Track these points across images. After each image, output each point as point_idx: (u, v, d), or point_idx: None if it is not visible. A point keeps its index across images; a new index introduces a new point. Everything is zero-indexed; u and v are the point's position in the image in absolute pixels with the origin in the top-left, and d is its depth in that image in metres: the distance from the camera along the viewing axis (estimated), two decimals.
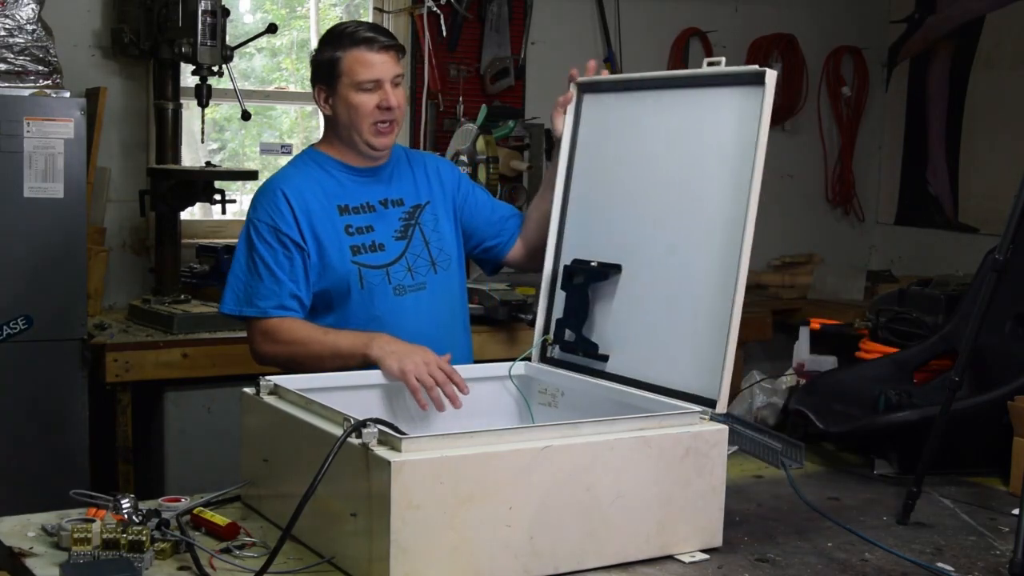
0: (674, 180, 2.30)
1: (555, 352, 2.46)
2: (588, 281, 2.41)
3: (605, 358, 2.34)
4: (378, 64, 2.56)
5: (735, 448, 2.55)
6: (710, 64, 2.27)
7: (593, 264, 2.41)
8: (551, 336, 2.47)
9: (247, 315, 2.57)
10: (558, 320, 2.45)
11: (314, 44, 5.21)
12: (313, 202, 2.58)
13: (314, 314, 2.60)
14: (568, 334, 2.43)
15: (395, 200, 2.67)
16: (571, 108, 2.67)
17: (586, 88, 2.66)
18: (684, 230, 2.25)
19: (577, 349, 2.40)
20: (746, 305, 5.78)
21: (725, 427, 2.03)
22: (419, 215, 2.68)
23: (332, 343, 2.47)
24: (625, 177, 2.43)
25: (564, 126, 2.64)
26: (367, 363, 2.40)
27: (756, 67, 2.12)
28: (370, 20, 5.06)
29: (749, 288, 6.46)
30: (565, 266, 2.48)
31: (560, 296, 2.48)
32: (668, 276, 2.26)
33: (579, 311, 2.41)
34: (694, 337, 2.16)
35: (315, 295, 2.58)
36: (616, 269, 2.37)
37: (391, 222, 2.64)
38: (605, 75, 2.67)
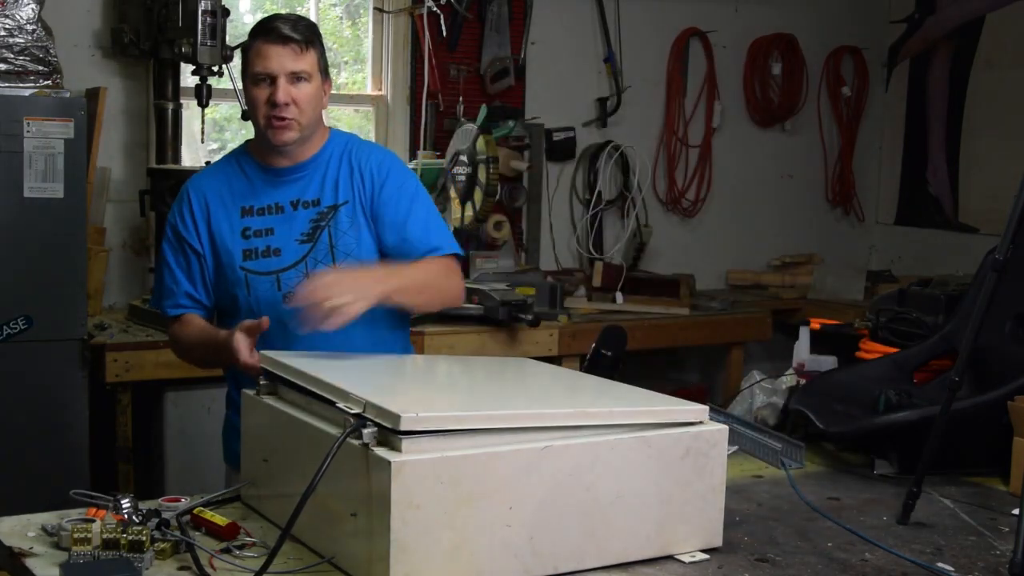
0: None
1: None
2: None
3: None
4: (272, 57, 2.43)
5: (735, 448, 2.56)
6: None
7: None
8: None
9: (163, 313, 2.62)
10: None
11: None
12: (216, 204, 2.53)
13: (226, 317, 2.57)
14: None
15: (309, 201, 2.52)
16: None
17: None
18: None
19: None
20: (746, 305, 5.77)
21: (725, 427, 2.03)
22: (332, 216, 2.51)
23: (199, 350, 2.55)
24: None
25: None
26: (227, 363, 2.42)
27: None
28: (370, 20, 5.07)
29: (749, 288, 6.48)
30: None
31: None
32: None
33: None
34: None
35: (216, 302, 2.58)
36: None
37: (298, 224, 2.50)
38: None
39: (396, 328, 2.61)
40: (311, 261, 2.49)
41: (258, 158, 2.56)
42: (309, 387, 1.98)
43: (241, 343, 2.29)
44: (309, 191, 2.53)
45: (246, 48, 2.50)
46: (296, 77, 2.45)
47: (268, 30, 2.46)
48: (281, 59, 2.43)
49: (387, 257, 2.53)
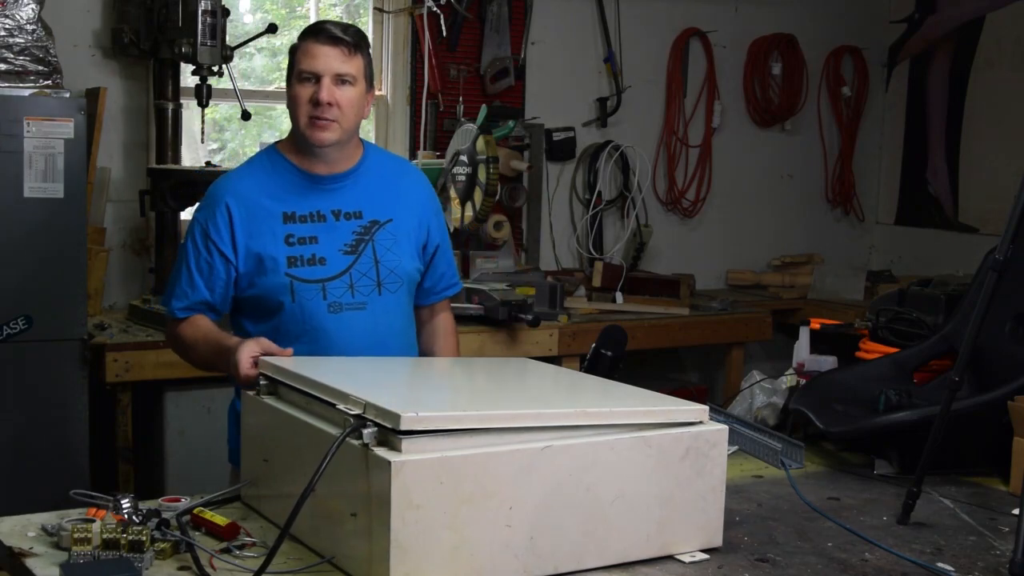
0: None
1: None
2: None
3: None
4: (320, 57, 2.46)
5: (735, 448, 2.56)
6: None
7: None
8: None
9: (169, 314, 2.57)
10: None
11: None
12: (256, 209, 2.50)
13: (249, 322, 2.55)
14: None
15: (351, 212, 2.54)
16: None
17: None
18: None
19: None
20: (746, 305, 5.76)
21: (725, 427, 2.03)
22: (376, 231, 2.55)
23: (204, 350, 2.51)
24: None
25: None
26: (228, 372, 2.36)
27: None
28: (370, 20, 5.07)
29: (749, 288, 6.48)
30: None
31: None
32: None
33: None
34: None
35: (248, 301, 2.52)
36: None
37: (341, 235, 2.52)
38: None
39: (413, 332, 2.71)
40: (356, 273, 2.51)
41: (295, 161, 2.56)
42: (309, 390, 1.98)
43: (246, 354, 2.23)
44: (350, 203, 2.55)
45: (294, 49, 2.52)
46: (341, 79, 2.47)
47: (318, 31, 2.49)
48: (328, 59, 2.46)
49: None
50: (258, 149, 4.88)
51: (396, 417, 1.72)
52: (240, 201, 2.50)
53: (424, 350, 2.74)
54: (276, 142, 2.64)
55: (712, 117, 5.82)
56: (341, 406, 1.83)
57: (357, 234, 2.53)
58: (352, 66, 2.48)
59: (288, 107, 2.54)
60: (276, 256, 2.47)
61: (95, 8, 4.31)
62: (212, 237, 2.49)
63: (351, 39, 2.48)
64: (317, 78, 2.46)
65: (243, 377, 2.22)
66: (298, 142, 2.54)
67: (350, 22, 2.76)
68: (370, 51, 2.59)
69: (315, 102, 2.45)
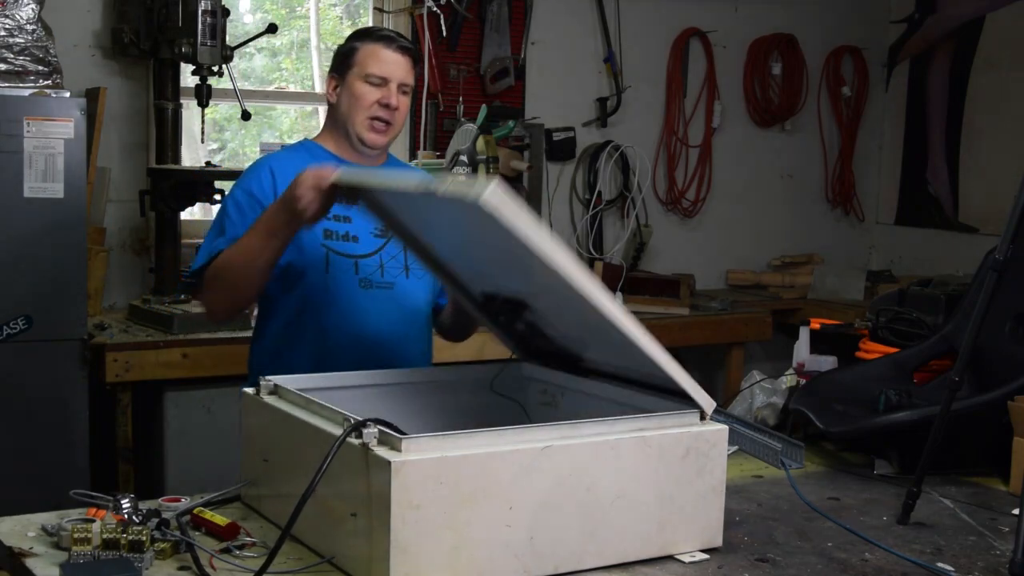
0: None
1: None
2: (510, 317, 2.26)
3: (579, 359, 2.31)
4: (390, 63, 2.58)
5: (735, 448, 2.56)
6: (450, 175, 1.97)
7: (503, 299, 2.23)
8: (519, 356, 2.41)
9: (199, 266, 2.50)
10: (514, 348, 2.39)
11: (314, 44, 5.23)
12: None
13: (276, 289, 2.56)
14: (535, 352, 2.38)
15: None
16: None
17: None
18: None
19: (552, 361, 2.36)
20: (746, 305, 5.74)
21: (725, 427, 2.03)
22: None
23: (243, 241, 2.41)
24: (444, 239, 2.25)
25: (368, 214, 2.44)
26: (287, 230, 2.33)
27: (473, 193, 1.71)
28: (370, 20, 5.07)
29: (749, 288, 6.47)
30: (480, 303, 2.30)
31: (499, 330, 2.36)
32: (561, 307, 2.07)
33: (524, 337, 2.32)
34: (628, 350, 2.00)
35: (281, 269, 2.52)
36: (523, 306, 2.20)
37: (372, 220, 2.59)
38: None
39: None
40: (386, 255, 2.61)
41: (332, 151, 2.65)
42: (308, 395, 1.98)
43: (309, 174, 2.21)
44: None
45: (355, 48, 2.60)
46: (403, 88, 2.60)
47: (388, 38, 2.60)
48: (398, 67, 2.59)
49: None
50: (258, 149, 4.90)
51: None
52: (282, 171, 2.57)
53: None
54: (310, 139, 2.75)
55: (712, 117, 5.82)
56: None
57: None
58: (412, 77, 2.64)
59: (342, 104, 2.61)
60: (313, 226, 2.48)
61: (95, 8, 4.32)
62: (256, 196, 2.55)
63: (415, 50, 2.64)
64: (385, 82, 2.57)
65: (313, 198, 2.19)
66: (342, 136, 2.64)
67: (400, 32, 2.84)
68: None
69: (384, 104, 2.57)
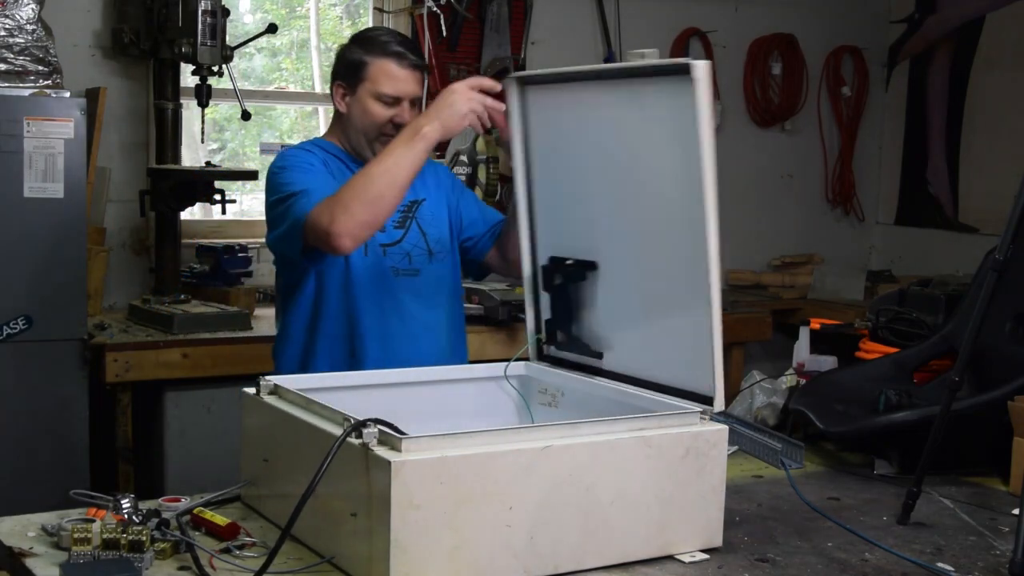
0: (628, 174, 2.23)
1: (551, 351, 2.46)
2: (568, 280, 2.38)
3: (600, 355, 2.34)
4: (402, 81, 2.60)
5: (735, 448, 2.56)
6: (635, 56, 2.23)
7: (569, 263, 2.36)
8: (544, 336, 2.46)
9: (302, 219, 2.43)
10: (547, 320, 2.44)
11: (314, 44, 5.23)
12: (333, 168, 2.64)
13: (322, 271, 2.61)
14: (560, 335, 2.42)
15: None
16: (514, 106, 2.45)
17: (526, 81, 2.48)
18: (647, 223, 2.20)
19: (571, 347, 2.39)
20: (746, 305, 5.73)
21: (725, 427, 2.03)
22: (416, 210, 2.73)
23: (380, 159, 2.40)
24: (582, 172, 2.36)
25: (511, 125, 2.47)
26: (423, 144, 2.35)
27: (683, 60, 2.04)
28: (370, 20, 5.07)
29: (749, 288, 6.45)
30: (543, 266, 2.44)
31: (545, 296, 2.46)
32: (641, 271, 2.22)
33: (565, 310, 2.39)
34: (678, 333, 2.13)
35: (321, 264, 2.60)
36: (592, 267, 2.33)
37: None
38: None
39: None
40: (408, 243, 2.69)
41: (348, 151, 2.71)
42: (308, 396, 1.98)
43: (470, 82, 2.35)
44: None
45: (366, 62, 2.60)
46: (413, 102, 2.63)
47: (400, 54, 2.60)
48: (411, 84, 2.62)
49: (462, 238, 2.82)
50: (258, 149, 4.90)
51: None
52: (321, 156, 2.65)
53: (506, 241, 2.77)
54: (320, 137, 2.80)
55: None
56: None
57: (402, 212, 2.68)
58: (423, 88, 2.67)
59: (352, 116, 2.64)
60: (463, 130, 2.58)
61: (95, 8, 4.32)
62: (318, 166, 2.60)
63: (424, 63, 2.66)
64: (398, 101, 2.61)
65: (471, 97, 2.31)
66: (358, 147, 2.67)
67: (405, 34, 2.84)
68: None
69: (396, 124, 2.59)
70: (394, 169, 2.37)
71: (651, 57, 2.18)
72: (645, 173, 2.20)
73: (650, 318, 2.22)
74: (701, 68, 1.97)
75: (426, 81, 2.69)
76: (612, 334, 2.32)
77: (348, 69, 2.64)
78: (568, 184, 2.40)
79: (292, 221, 2.47)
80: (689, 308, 2.07)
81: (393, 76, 2.60)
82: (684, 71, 1.98)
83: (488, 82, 2.38)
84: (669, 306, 2.16)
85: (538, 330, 2.46)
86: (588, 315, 2.37)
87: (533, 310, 2.48)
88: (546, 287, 2.43)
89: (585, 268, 2.34)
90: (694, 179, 2.00)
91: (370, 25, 5.07)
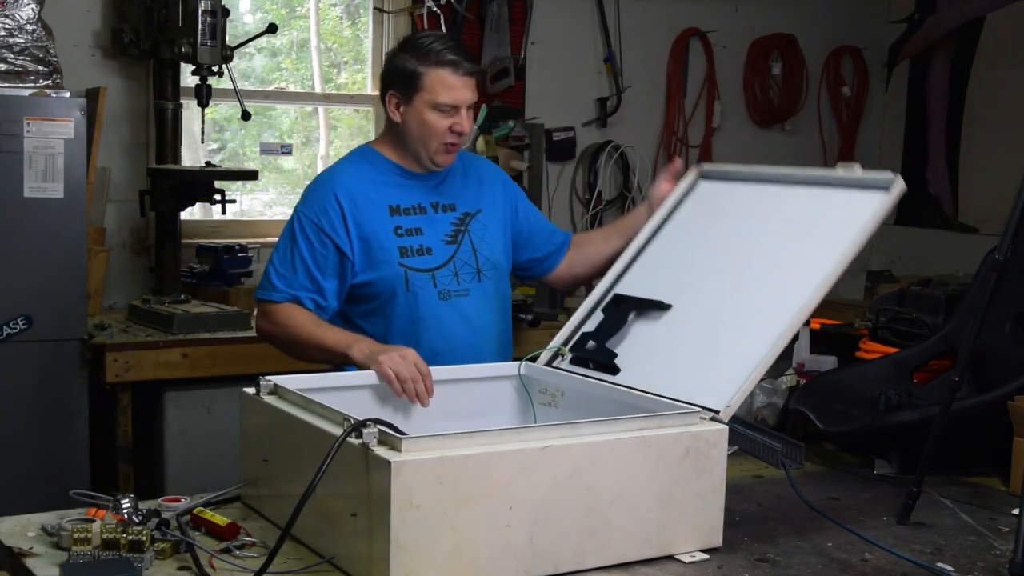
0: (752, 251, 2.40)
1: (562, 363, 2.45)
2: (631, 310, 2.44)
3: (616, 370, 2.34)
4: (459, 89, 2.58)
5: (735, 448, 2.55)
6: (845, 167, 2.40)
7: (647, 300, 2.44)
8: (566, 349, 2.46)
9: (271, 299, 2.59)
10: (585, 332, 2.45)
11: (314, 44, 5.23)
12: (363, 201, 2.60)
13: (359, 311, 2.63)
14: (590, 344, 2.43)
15: (446, 205, 2.68)
16: (683, 186, 2.68)
17: (708, 175, 2.69)
18: (739, 289, 2.33)
19: (589, 361, 2.39)
20: None
21: (725, 427, 2.03)
22: (469, 222, 2.70)
23: (319, 337, 2.51)
24: (708, 242, 2.51)
25: (668, 195, 2.68)
26: (347, 361, 2.44)
27: (886, 175, 2.27)
28: (370, 20, 5.07)
29: None
30: (617, 295, 2.50)
31: (597, 316, 2.49)
32: (703, 320, 2.33)
33: (610, 331, 2.42)
34: (716, 362, 2.21)
35: (359, 288, 2.60)
36: (665, 308, 2.40)
37: (441, 226, 2.66)
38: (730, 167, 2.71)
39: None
40: (459, 261, 2.65)
41: (393, 159, 2.67)
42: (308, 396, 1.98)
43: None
44: (445, 196, 2.69)
45: (420, 73, 2.58)
46: (468, 107, 2.61)
47: (455, 63, 2.58)
48: (466, 92, 2.59)
49: (527, 255, 2.83)
50: (258, 149, 4.90)
51: None
52: (348, 193, 2.60)
53: (594, 261, 2.83)
54: (369, 142, 2.77)
55: (712, 117, 5.82)
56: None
57: (454, 225, 2.68)
58: (475, 94, 2.64)
59: (411, 128, 2.61)
60: (388, 247, 2.59)
61: (95, 8, 4.32)
62: (326, 230, 2.57)
63: (477, 68, 2.65)
64: (456, 110, 2.58)
65: (412, 373, 2.30)
66: (409, 153, 2.65)
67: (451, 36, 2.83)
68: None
69: (457, 132, 2.59)
70: (310, 351, 2.56)
71: (858, 171, 2.38)
72: (770, 255, 2.34)
73: (688, 349, 2.29)
74: (898, 185, 2.25)
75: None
76: (638, 358, 2.35)
77: (402, 79, 2.60)
78: (686, 245, 2.56)
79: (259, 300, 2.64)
80: (736, 346, 2.20)
81: (450, 85, 2.57)
82: (881, 186, 2.27)
83: (429, 380, 2.33)
84: (720, 343, 2.25)
85: (567, 343, 2.46)
86: (628, 341, 2.40)
87: (576, 324, 2.50)
88: (606, 308, 2.48)
89: (659, 308, 2.40)
90: (819, 270, 2.22)
91: (369, 26, 5.07)
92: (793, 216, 2.39)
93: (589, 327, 2.48)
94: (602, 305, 2.51)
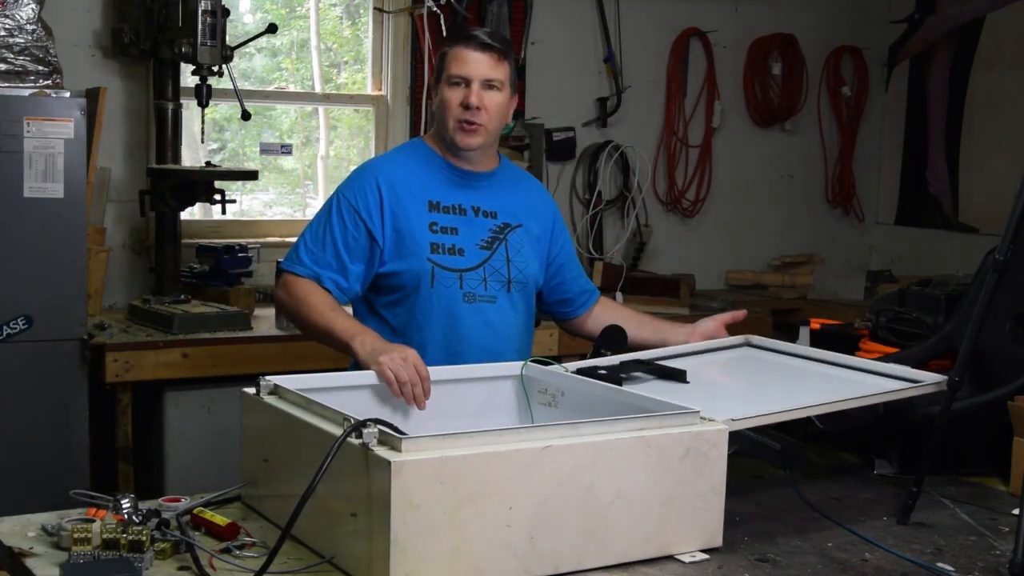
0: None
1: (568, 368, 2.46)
2: (651, 374, 2.49)
3: (619, 381, 2.35)
4: (470, 62, 2.58)
5: (735, 448, 2.55)
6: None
7: (667, 367, 2.50)
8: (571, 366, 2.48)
9: (294, 271, 2.60)
10: (597, 365, 2.48)
11: (314, 44, 5.23)
12: (404, 192, 2.61)
13: (384, 301, 2.63)
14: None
15: (488, 212, 2.69)
16: (729, 340, 2.78)
17: (753, 345, 2.81)
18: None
19: (595, 373, 2.41)
20: (746, 305, 5.77)
21: (725, 427, 2.03)
22: (509, 233, 2.70)
23: (328, 321, 2.51)
24: (737, 375, 2.67)
25: (714, 336, 2.77)
26: (349, 350, 2.43)
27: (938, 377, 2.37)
28: (370, 20, 5.07)
29: (749, 288, 6.46)
30: (637, 359, 2.54)
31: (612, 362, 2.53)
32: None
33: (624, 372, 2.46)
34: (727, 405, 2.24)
35: (385, 279, 2.61)
36: (682, 378, 2.44)
37: (479, 230, 2.66)
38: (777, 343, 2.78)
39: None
40: (489, 268, 2.65)
41: (441, 154, 2.69)
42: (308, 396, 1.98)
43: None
44: (488, 202, 2.69)
45: (446, 52, 2.62)
46: (489, 84, 2.59)
47: (469, 37, 2.61)
48: (479, 65, 2.58)
49: (554, 297, 2.86)
50: (258, 149, 4.90)
51: None
52: (389, 182, 2.61)
53: (630, 328, 2.82)
54: (421, 136, 2.79)
55: (712, 117, 5.82)
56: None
57: (492, 232, 2.68)
58: (500, 71, 2.60)
59: (436, 110, 2.65)
60: (420, 241, 2.59)
61: (95, 8, 4.32)
62: (362, 215, 2.59)
63: (500, 46, 2.61)
64: (467, 82, 2.58)
65: (411, 374, 2.29)
66: (444, 141, 2.66)
67: (497, 33, 2.84)
68: (515, 58, 2.71)
69: (465, 106, 2.57)
70: (317, 333, 2.56)
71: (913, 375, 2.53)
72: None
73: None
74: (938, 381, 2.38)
75: (509, 65, 2.63)
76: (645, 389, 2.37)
77: (437, 65, 2.67)
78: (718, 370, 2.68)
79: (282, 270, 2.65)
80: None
81: (461, 59, 2.58)
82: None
83: (428, 385, 2.31)
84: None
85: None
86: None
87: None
88: (626, 364, 2.51)
89: (679, 378, 2.46)
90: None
91: (369, 26, 5.07)
92: (826, 373, 2.55)
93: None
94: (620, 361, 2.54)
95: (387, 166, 2.67)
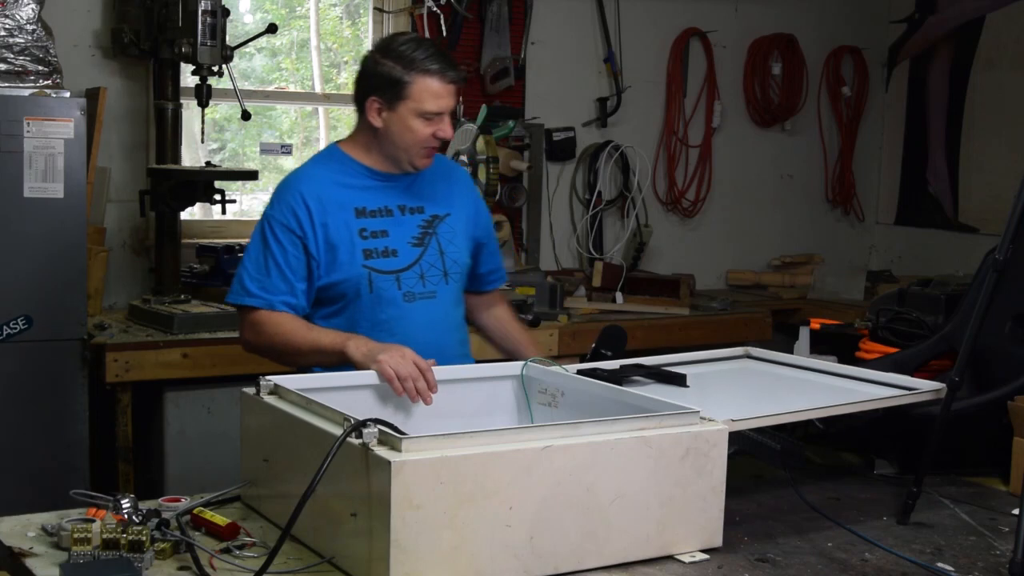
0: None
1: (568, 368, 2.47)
2: (652, 379, 2.51)
3: (619, 382, 2.36)
4: (445, 97, 2.60)
5: (735, 448, 2.55)
6: None
7: (672, 372, 2.53)
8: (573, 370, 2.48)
9: (246, 304, 2.60)
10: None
11: (314, 44, 5.23)
12: (330, 204, 2.60)
13: (323, 313, 2.63)
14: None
15: (414, 207, 2.69)
16: (728, 351, 2.87)
17: (752, 356, 2.90)
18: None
19: (596, 374, 2.42)
20: (746, 305, 5.74)
21: (725, 427, 2.03)
22: (437, 225, 2.71)
23: (313, 339, 2.53)
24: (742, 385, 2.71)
25: None
26: (344, 361, 2.44)
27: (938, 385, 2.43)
28: (370, 20, 5.07)
29: (749, 288, 6.45)
30: (637, 363, 2.57)
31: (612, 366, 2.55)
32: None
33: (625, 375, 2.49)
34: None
35: (323, 291, 2.61)
36: (683, 383, 2.47)
37: (408, 228, 2.67)
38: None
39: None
40: (425, 264, 2.66)
41: (361, 160, 2.68)
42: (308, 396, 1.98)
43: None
44: (412, 198, 2.70)
45: (408, 80, 2.58)
46: (452, 112, 2.64)
47: (441, 71, 2.60)
48: (450, 99, 2.63)
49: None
50: (258, 149, 4.90)
51: None
52: (316, 196, 2.61)
53: (495, 333, 2.94)
54: (337, 142, 2.75)
55: (712, 117, 5.82)
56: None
57: (421, 227, 2.68)
58: (456, 101, 2.67)
59: (391, 132, 2.61)
60: (353, 249, 2.59)
61: (95, 8, 4.31)
62: (296, 233, 2.59)
63: (462, 75, 2.68)
64: (440, 116, 2.60)
65: (412, 371, 2.30)
66: (384, 155, 2.65)
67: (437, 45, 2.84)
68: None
69: (440, 139, 2.62)
70: (306, 355, 2.55)
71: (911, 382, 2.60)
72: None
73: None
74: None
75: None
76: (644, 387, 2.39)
77: (386, 85, 2.59)
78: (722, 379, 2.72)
79: (241, 309, 2.63)
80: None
81: (436, 94, 2.58)
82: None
83: (431, 376, 2.32)
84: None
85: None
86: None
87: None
88: (626, 367, 2.54)
89: (679, 382, 2.49)
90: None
91: (369, 26, 5.07)
92: (825, 382, 2.59)
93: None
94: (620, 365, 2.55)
95: (309, 181, 2.64)
